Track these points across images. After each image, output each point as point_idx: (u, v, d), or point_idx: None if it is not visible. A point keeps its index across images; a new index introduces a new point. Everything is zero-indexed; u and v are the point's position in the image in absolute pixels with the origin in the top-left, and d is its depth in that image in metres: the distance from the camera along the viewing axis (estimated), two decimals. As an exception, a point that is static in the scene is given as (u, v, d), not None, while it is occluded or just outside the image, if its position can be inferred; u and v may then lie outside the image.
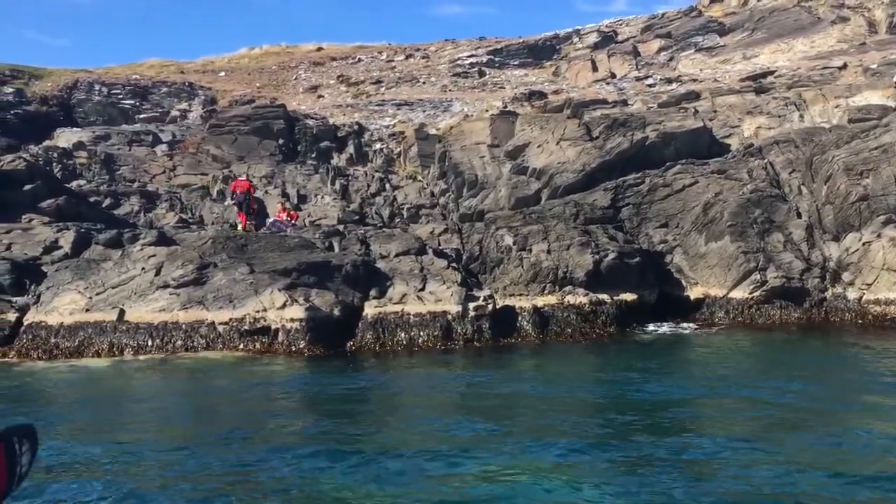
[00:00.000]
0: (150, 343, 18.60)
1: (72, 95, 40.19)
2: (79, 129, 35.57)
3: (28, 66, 43.18)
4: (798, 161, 22.24)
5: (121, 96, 40.99)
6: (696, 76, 30.63)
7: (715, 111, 25.33)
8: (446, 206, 27.67)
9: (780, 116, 24.26)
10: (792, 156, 22.44)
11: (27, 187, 25.49)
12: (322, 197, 29.94)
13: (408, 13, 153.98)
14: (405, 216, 28.12)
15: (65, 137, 34.59)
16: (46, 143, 34.25)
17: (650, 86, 30.64)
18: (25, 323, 19.86)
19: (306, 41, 54.19)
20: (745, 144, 23.53)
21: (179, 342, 18.51)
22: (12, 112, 37.22)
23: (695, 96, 27.35)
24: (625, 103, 29.01)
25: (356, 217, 28.15)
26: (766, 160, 22.70)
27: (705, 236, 21.34)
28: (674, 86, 29.67)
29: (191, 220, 28.30)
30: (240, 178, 26.22)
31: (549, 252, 20.81)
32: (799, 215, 21.24)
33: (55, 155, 32.45)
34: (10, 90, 39.07)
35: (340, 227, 25.32)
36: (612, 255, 20.47)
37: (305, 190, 30.26)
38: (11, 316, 20.14)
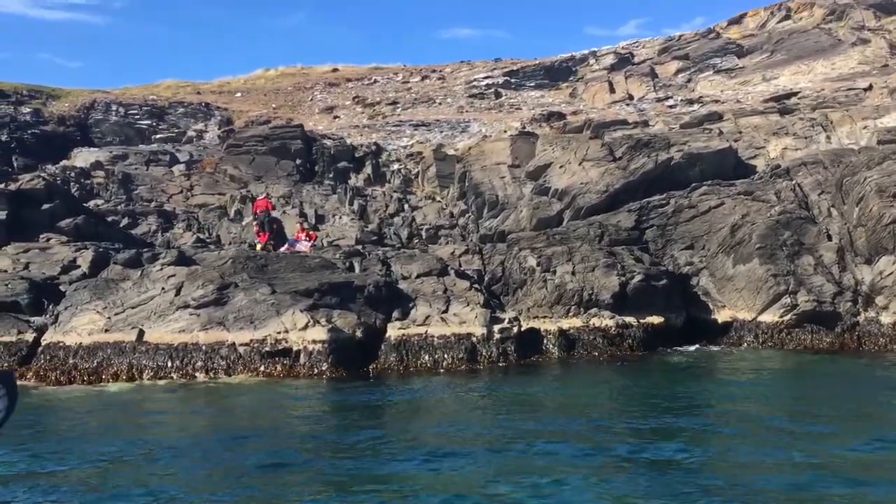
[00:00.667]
0: (169, 364, 18.30)
1: (89, 115, 40.22)
2: (96, 149, 35.53)
3: (46, 86, 43.32)
4: (827, 183, 21.89)
5: (137, 116, 41.03)
6: (717, 97, 30.39)
7: (740, 132, 25.04)
8: (466, 226, 27.38)
9: (806, 138, 23.95)
10: (821, 177, 22.10)
11: (45, 206, 25.34)
12: (340, 217, 29.71)
13: (419, 36, 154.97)
14: (424, 237, 27.85)
15: (82, 157, 34.56)
16: (64, 162, 34.23)
17: (671, 107, 30.40)
18: (43, 343, 19.61)
19: (320, 63, 54.26)
20: (772, 165, 23.21)
21: (199, 363, 18.21)
22: (30, 132, 37.26)
23: (717, 117, 27.08)
24: (646, 124, 28.76)
25: (374, 237, 27.88)
26: (794, 181, 22.36)
27: (733, 258, 20.96)
28: (695, 107, 29.42)
29: (208, 240, 28.10)
30: (260, 198, 26.01)
31: (573, 273, 20.47)
32: (829, 238, 20.85)
33: (73, 174, 32.39)
34: (28, 110, 39.16)
35: (360, 248, 25.09)
36: (638, 277, 20.11)
37: (323, 210, 30.05)
38: (29, 336, 19.90)
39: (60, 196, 26.08)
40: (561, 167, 24.69)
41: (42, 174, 28.05)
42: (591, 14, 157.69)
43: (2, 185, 25.92)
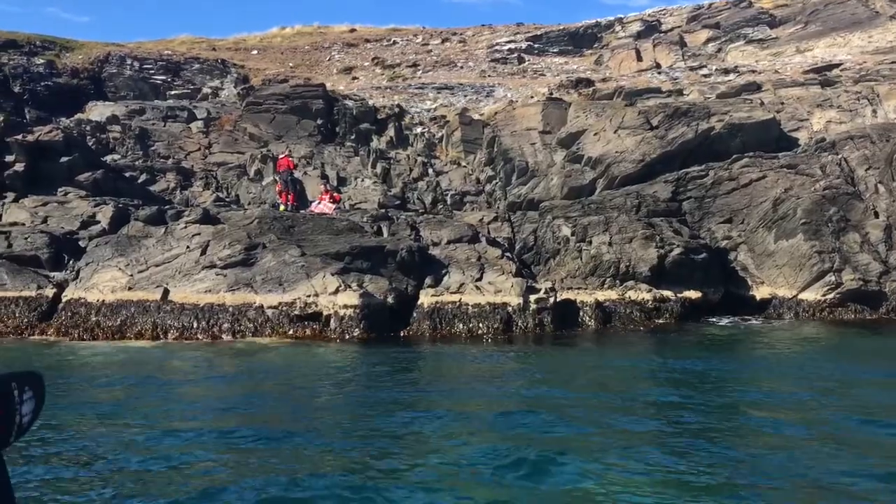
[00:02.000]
0: (195, 325, 17.77)
1: (103, 69, 39.24)
2: (112, 103, 34.72)
3: (59, 37, 42.34)
4: (875, 158, 21.14)
5: (152, 71, 40.07)
6: (753, 67, 29.47)
7: (782, 103, 24.21)
8: (493, 193, 26.68)
9: (851, 111, 23.14)
10: (868, 152, 21.34)
11: (64, 159, 24.67)
12: (362, 180, 29.01)
13: (422, 1, 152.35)
14: (449, 202, 27.18)
15: (97, 111, 33.77)
16: (78, 115, 33.41)
17: (705, 76, 29.50)
18: (64, 299, 19.10)
19: (336, 23, 53.16)
20: (816, 139, 22.44)
21: (226, 325, 17.68)
22: (42, 83, 36.39)
23: (756, 87, 26.23)
24: (680, 93, 27.91)
25: (397, 202, 27.24)
26: (840, 156, 21.62)
27: (774, 234, 20.29)
28: (731, 76, 28.53)
29: (227, 200, 27.46)
30: (282, 156, 25.29)
31: (610, 244, 19.84)
32: (877, 215, 20.17)
33: (88, 128, 31.60)
34: (41, 61, 38.21)
35: (386, 212, 24.44)
36: (677, 251, 19.48)
37: (345, 172, 29.34)
38: (49, 291, 19.38)
39: (79, 149, 25.39)
40: (595, 134, 23.93)
41: (59, 126, 27.29)
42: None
43: (19, 136, 25.19)
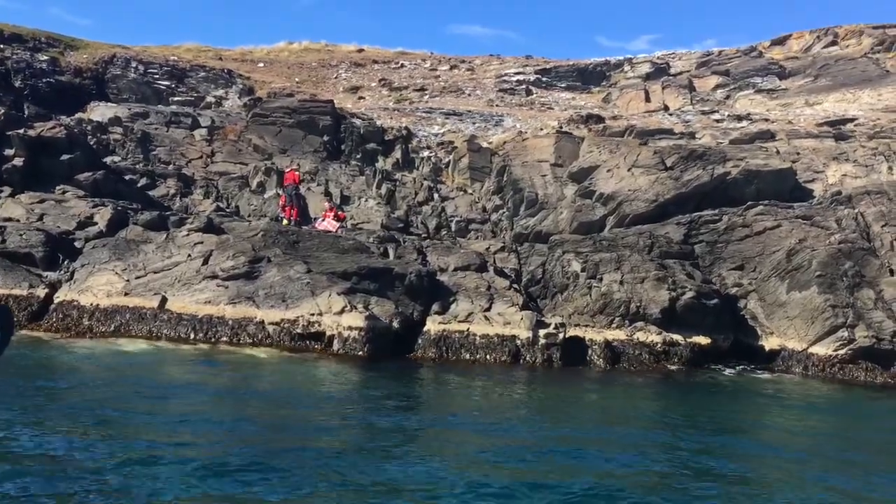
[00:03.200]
0: (192, 336, 17.14)
1: (107, 70, 38.70)
2: (114, 104, 34.16)
3: (65, 35, 41.82)
4: (892, 215, 20.96)
5: (157, 76, 39.57)
6: (765, 116, 29.42)
7: (797, 153, 24.06)
8: (498, 222, 26.27)
9: (867, 166, 23.00)
10: (885, 209, 21.16)
11: (64, 157, 24.06)
12: (366, 200, 28.52)
13: (429, 28, 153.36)
14: (453, 229, 26.71)
15: (99, 111, 33.18)
16: (79, 115, 32.77)
17: (717, 121, 29.39)
18: (56, 300, 18.41)
19: (341, 42, 52.91)
20: (832, 192, 22.26)
21: (224, 338, 17.05)
22: (44, 80, 35.77)
23: (770, 136, 26.09)
24: (692, 136, 27.74)
25: (401, 224, 26.74)
26: (856, 210, 21.42)
27: (787, 284, 19.97)
28: (744, 123, 28.43)
29: (227, 210, 26.84)
30: (288, 170, 24.79)
31: (621, 283, 19.43)
32: (892, 272, 19.90)
33: (88, 128, 30.94)
34: (45, 58, 37.61)
35: (393, 234, 23.96)
36: (689, 294, 19.09)
37: (349, 191, 28.85)
38: (41, 291, 18.69)
39: (81, 148, 24.79)
40: (608, 171, 23.63)
41: (62, 123, 26.69)
42: (603, 24, 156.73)
43: (20, 131, 24.57)
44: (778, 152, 23.80)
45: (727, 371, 18.85)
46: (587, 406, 13.66)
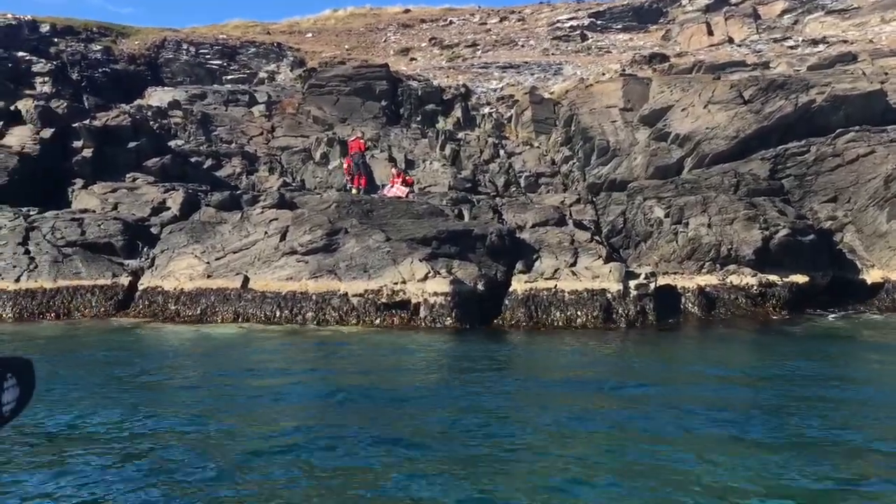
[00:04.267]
0: (277, 314, 17.02)
1: (159, 55, 38.73)
2: (171, 88, 34.20)
3: (115, 23, 42.01)
4: None
5: (208, 56, 39.47)
6: (842, 37, 27.78)
7: (885, 73, 22.63)
8: (569, 174, 25.51)
9: (963, 81, 21.52)
10: None
11: (131, 145, 24.14)
12: (430, 163, 28.02)
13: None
14: (523, 185, 26.05)
15: (157, 96, 33.27)
16: (138, 101, 32.90)
17: (791, 48, 27.88)
18: (140, 288, 18.51)
19: (386, 4, 52.11)
20: (928, 111, 20.87)
21: (310, 314, 16.87)
22: (100, 70, 36.00)
23: (851, 58, 24.62)
24: (766, 66, 26.40)
25: (468, 185, 26.16)
26: (956, 129, 20.09)
27: (887, 213, 18.87)
28: (820, 48, 26.90)
29: (293, 185, 26.66)
30: (352, 139, 24.39)
31: (709, 226, 18.61)
32: None
33: (149, 114, 30.99)
34: (98, 48, 37.82)
35: (459, 195, 23.48)
36: (783, 232, 18.17)
37: (412, 155, 28.37)
38: (124, 280, 18.82)
39: (146, 134, 24.84)
40: (683, 110, 22.62)
41: (126, 111, 26.77)
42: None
43: (86, 122, 24.73)
44: (864, 74, 22.40)
45: (831, 316, 17.89)
46: (690, 368, 12.90)
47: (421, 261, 16.91)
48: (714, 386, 10.87)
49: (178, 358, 13.35)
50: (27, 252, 19.03)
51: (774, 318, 17.17)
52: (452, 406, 9.41)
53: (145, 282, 18.59)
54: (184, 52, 39.18)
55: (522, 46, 40.48)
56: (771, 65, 26.24)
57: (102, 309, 18.10)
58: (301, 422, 8.74)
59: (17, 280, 18.37)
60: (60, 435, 8.06)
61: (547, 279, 17.00)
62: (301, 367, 12.25)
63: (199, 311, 17.41)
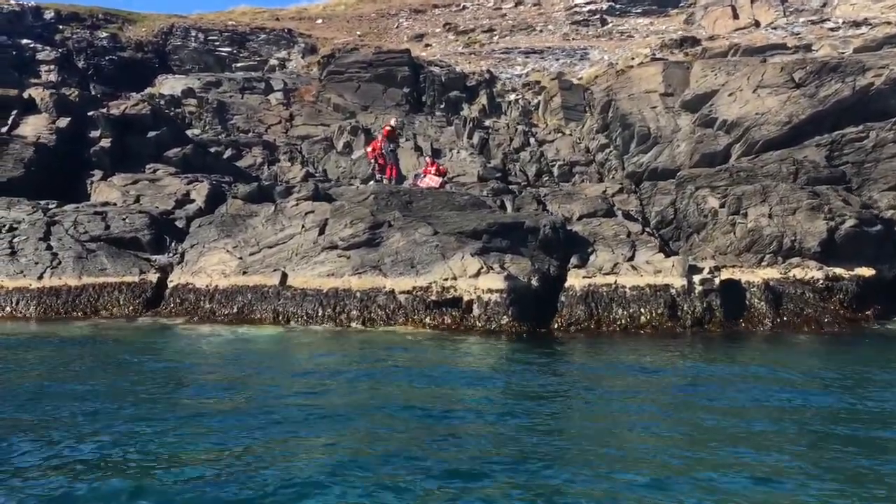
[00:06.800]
0: (320, 312, 16.02)
1: (167, 42, 37.43)
2: (183, 76, 33.04)
3: (121, 10, 40.75)
4: None
5: (217, 43, 38.21)
6: (885, 19, 26.81)
7: (942, 56, 21.66)
8: (605, 163, 24.50)
9: None
10: None
11: (151, 134, 23.05)
12: (458, 151, 26.98)
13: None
14: (556, 174, 25.03)
15: (169, 84, 32.12)
16: (149, 90, 31.71)
17: (832, 29, 26.90)
18: (170, 285, 17.53)
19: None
20: None
21: (354, 312, 15.88)
22: (107, 58, 34.78)
23: (900, 40, 23.66)
24: (808, 49, 25.41)
25: (498, 174, 25.09)
26: None
27: (955, 202, 17.95)
28: (863, 29, 25.93)
29: (317, 175, 25.60)
30: (385, 127, 23.26)
31: (770, 216, 17.66)
32: None
33: (162, 103, 29.84)
34: (105, 35, 36.57)
35: (501, 185, 22.50)
36: (850, 222, 17.24)
37: (438, 143, 27.33)
38: (153, 276, 17.83)
39: (166, 123, 23.78)
40: (730, 95, 21.62)
41: (146, 99, 25.66)
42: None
43: (103, 110, 23.62)
44: (921, 57, 21.44)
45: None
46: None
47: (473, 255, 15.93)
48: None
49: (213, 367, 12.20)
50: (49, 248, 18.01)
51: (855, 319, 16.06)
52: (514, 431, 8.43)
53: (175, 278, 17.59)
54: (192, 39, 37.94)
55: (541, 31, 39.38)
56: (813, 47, 25.26)
57: (131, 307, 17.11)
58: (345, 449, 7.66)
59: (40, 277, 17.36)
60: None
61: (605, 274, 16.03)
62: (347, 379, 11.02)
63: (235, 310, 16.42)
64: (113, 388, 10.28)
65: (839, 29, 26.62)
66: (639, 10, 41.16)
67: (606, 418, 9.17)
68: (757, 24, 35.06)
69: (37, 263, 17.58)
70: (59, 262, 17.64)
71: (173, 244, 18.72)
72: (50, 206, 19.48)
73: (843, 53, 24.08)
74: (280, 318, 16.02)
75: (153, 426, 8.24)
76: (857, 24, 26.46)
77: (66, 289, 17.17)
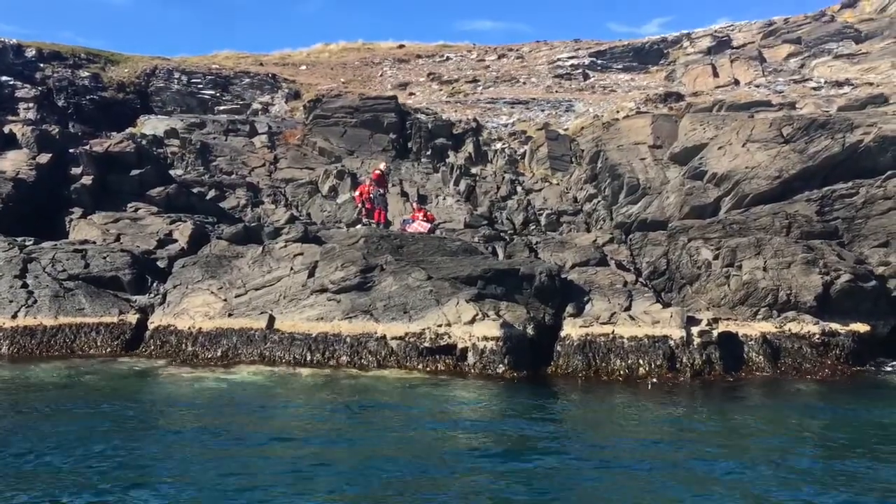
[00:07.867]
0: (308, 357, 15.46)
1: (150, 83, 37.16)
2: (166, 117, 32.68)
3: (104, 50, 40.45)
4: None
5: (200, 86, 38.02)
6: (867, 80, 27.36)
7: (926, 116, 22.03)
8: (592, 213, 24.42)
9: None
10: None
11: (135, 173, 22.56)
12: (444, 198, 26.79)
13: (437, 26, 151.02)
14: (543, 223, 24.88)
15: (151, 125, 31.69)
16: (130, 130, 31.24)
17: (814, 88, 27.36)
18: (151, 326, 16.85)
19: (378, 39, 51.34)
20: (977, 155, 20.18)
21: (344, 358, 15.35)
22: (88, 97, 34.38)
23: (882, 100, 24.08)
24: (792, 106, 25.76)
25: (485, 222, 24.90)
26: None
27: (946, 259, 17.99)
28: (846, 89, 26.39)
29: (301, 218, 25.17)
30: (374, 171, 23.03)
31: (765, 269, 17.53)
32: None
33: (143, 142, 29.39)
34: (86, 74, 36.23)
35: (492, 232, 22.25)
36: (845, 277, 17.16)
37: (425, 190, 27.13)
38: (132, 317, 17.16)
39: (151, 162, 23.30)
40: (720, 148, 21.73)
41: (130, 137, 25.19)
42: (614, 10, 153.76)
43: (86, 147, 23.10)
44: (906, 116, 21.78)
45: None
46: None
47: (468, 301, 15.53)
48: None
49: (194, 415, 11.56)
50: (25, 286, 17.30)
51: (836, 376, 15.86)
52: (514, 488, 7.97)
53: (156, 320, 16.93)
54: (175, 80, 37.73)
55: (524, 84, 39.75)
56: (797, 105, 25.61)
57: (109, 349, 16.39)
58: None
59: (14, 316, 16.62)
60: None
61: (603, 324, 15.70)
62: (336, 429, 10.49)
63: (219, 354, 15.79)
64: (80, 437, 9.63)
65: (821, 88, 27.09)
66: (620, 67, 41.85)
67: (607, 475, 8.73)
68: (737, 82, 35.71)
69: (11, 301, 16.84)
70: (35, 301, 16.93)
71: (155, 284, 18.11)
72: (27, 243, 18.80)
73: (827, 112, 24.43)
74: (266, 361, 15.42)
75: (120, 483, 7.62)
76: (839, 84, 26.95)
77: (41, 328, 16.44)
